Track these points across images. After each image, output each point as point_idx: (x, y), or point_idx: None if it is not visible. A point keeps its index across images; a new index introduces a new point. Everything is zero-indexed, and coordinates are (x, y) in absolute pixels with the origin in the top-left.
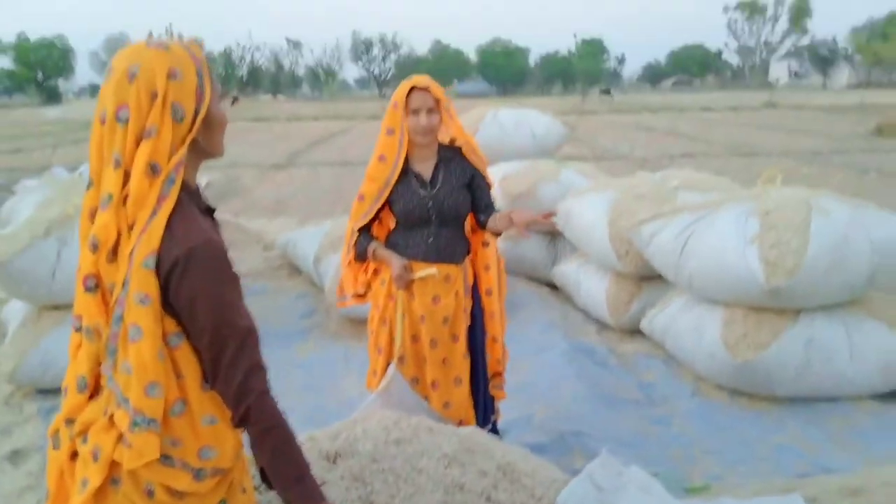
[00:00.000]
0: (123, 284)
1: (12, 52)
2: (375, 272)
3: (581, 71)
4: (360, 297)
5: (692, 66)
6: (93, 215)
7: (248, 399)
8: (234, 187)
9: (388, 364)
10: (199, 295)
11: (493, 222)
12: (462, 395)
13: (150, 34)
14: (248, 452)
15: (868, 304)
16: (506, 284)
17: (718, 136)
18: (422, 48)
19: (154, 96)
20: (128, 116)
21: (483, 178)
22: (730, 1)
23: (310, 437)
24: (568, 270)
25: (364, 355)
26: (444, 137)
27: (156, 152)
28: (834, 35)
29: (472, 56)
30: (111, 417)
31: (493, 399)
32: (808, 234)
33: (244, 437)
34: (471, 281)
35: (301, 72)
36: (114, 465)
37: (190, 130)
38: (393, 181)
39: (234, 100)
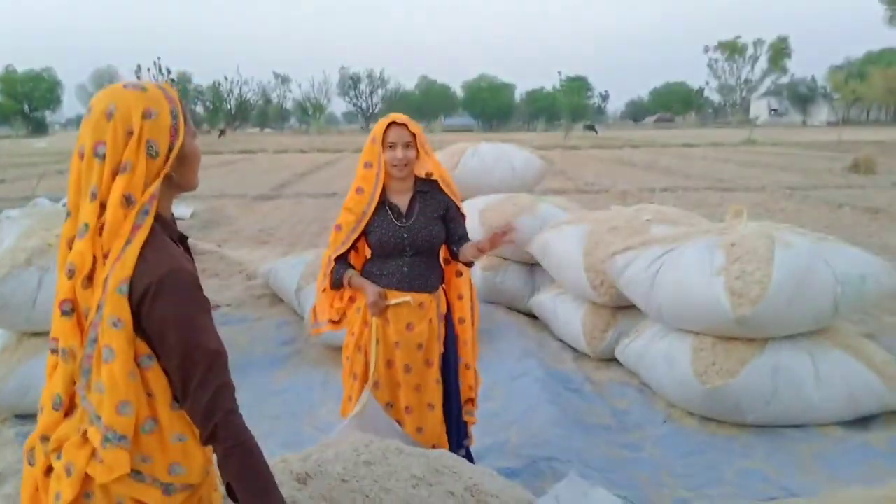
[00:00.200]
0: (98, 309)
1: (0, 84)
2: (351, 300)
3: (565, 107)
4: (335, 323)
5: (674, 103)
6: (70, 244)
7: (215, 417)
8: (219, 217)
9: (363, 390)
10: (170, 319)
11: (462, 253)
12: (435, 419)
13: (139, 67)
14: (216, 469)
15: (834, 334)
16: (478, 313)
17: (698, 170)
18: (409, 83)
19: (130, 134)
20: (105, 152)
21: (457, 210)
22: (710, 41)
23: (282, 460)
24: (545, 300)
25: (342, 383)
26: (421, 171)
27: (130, 185)
28: (813, 74)
29: (459, 91)
30: (84, 434)
31: (466, 424)
32: (772, 265)
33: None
34: (444, 309)
35: (289, 105)
36: (87, 479)
37: (164, 165)
38: (370, 212)
39: (221, 132)
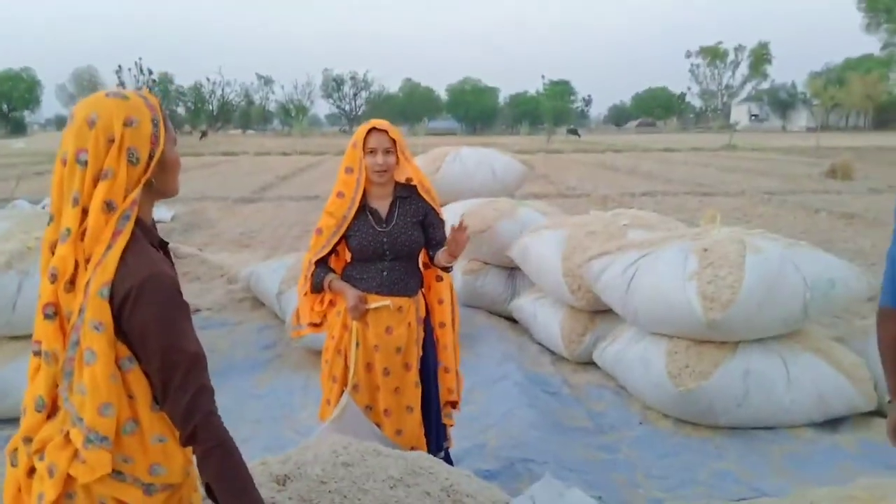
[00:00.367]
0: (80, 312)
1: None
2: (331, 303)
3: (549, 111)
4: (316, 326)
5: (656, 108)
6: (53, 248)
7: (195, 419)
8: (200, 220)
9: (342, 393)
10: (151, 322)
11: (437, 258)
12: (414, 422)
13: (120, 68)
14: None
15: (804, 337)
16: (459, 317)
17: (678, 175)
18: (393, 85)
19: (111, 141)
20: (87, 159)
21: (436, 215)
22: (692, 47)
23: (261, 462)
24: (525, 304)
25: None
26: (401, 177)
27: (112, 192)
28: (793, 80)
29: (443, 94)
30: (67, 435)
31: (445, 427)
32: (743, 269)
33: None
34: (423, 313)
35: (272, 107)
36: (69, 480)
37: (145, 172)
38: (350, 217)
39: (203, 134)
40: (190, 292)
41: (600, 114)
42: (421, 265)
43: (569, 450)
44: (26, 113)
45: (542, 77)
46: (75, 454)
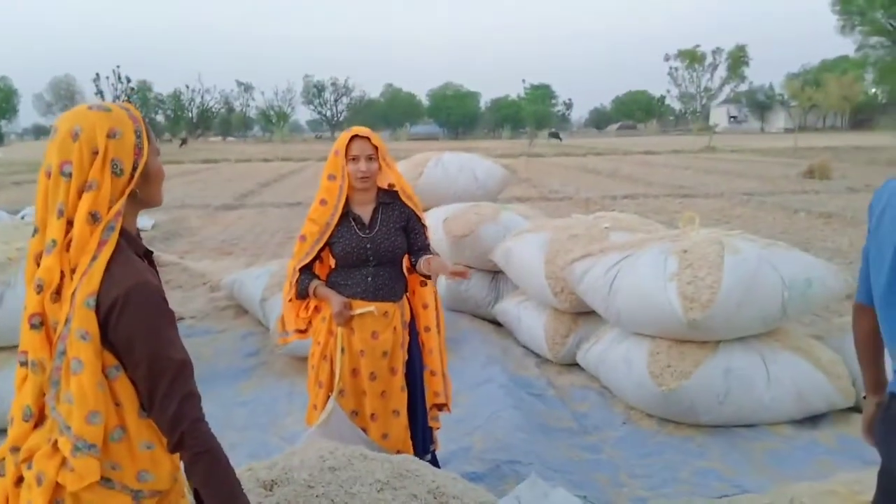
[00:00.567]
0: (66, 322)
1: None
2: (316, 309)
3: (530, 115)
4: (302, 332)
5: (636, 111)
6: (38, 259)
7: (182, 425)
8: (181, 228)
9: (328, 398)
10: (136, 331)
11: (419, 266)
12: (400, 426)
13: (97, 76)
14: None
15: (783, 335)
16: (444, 321)
17: (659, 177)
18: (374, 91)
19: (95, 153)
20: (71, 171)
21: (418, 221)
22: (671, 50)
23: (248, 468)
24: (509, 307)
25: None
26: (383, 183)
27: (96, 203)
28: (770, 82)
29: (424, 99)
30: (55, 444)
31: (431, 430)
32: (722, 270)
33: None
34: (408, 317)
35: (252, 114)
36: (57, 488)
37: (129, 183)
38: (333, 223)
39: (183, 141)
40: (172, 301)
41: (581, 117)
42: (405, 270)
43: (554, 450)
44: (3, 123)
45: (523, 81)
46: (63, 462)
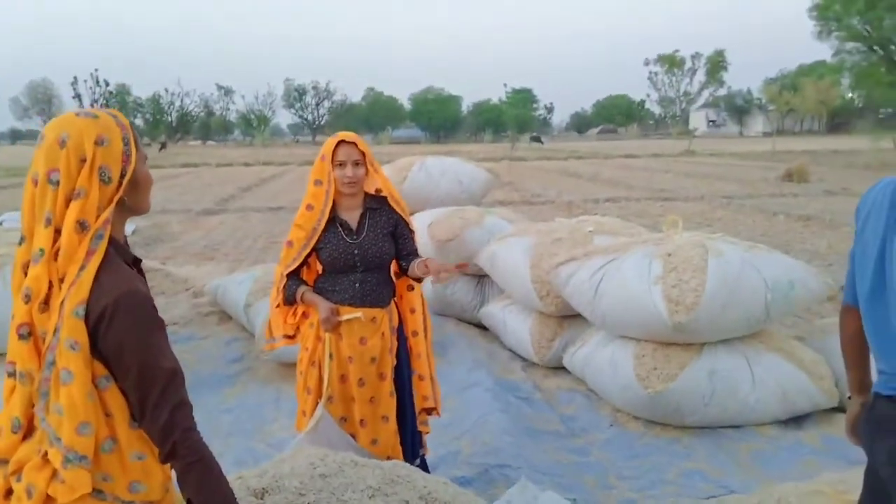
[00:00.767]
0: (55, 332)
1: None
2: (304, 315)
3: (511, 118)
4: (289, 338)
5: (616, 115)
6: (25, 268)
7: (174, 435)
8: (162, 234)
9: (317, 404)
10: (126, 340)
11: (412, 269)
12: (389, 431)
13: (75, 79)
14: (176, 486)
15: (767, 337)
16: (431, 326)
17: (640, 181)
18: (355, 95)
19: (83, 161)
20: (58, 179)
21: (406, 226)
22: (650, 55)
23: (238, 476)
24: (494, 311)
25: (294, 398)
26: (370, 188)
27: (84, 211)
28: (748, 86)
29: (406, 103)
30: (45, 455)
31: (420, 435)
32: (706, 273)
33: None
34: (396, 322)
35: (232, 117)
36: (48, 500)
37: (117, 191)
38: (320, 229)
39: (162, 146)
40: None
41: (562, 121)
42: (392, 275)
43: (542, 454)
44: None
45: (505, 85)
46: (54, 474)
